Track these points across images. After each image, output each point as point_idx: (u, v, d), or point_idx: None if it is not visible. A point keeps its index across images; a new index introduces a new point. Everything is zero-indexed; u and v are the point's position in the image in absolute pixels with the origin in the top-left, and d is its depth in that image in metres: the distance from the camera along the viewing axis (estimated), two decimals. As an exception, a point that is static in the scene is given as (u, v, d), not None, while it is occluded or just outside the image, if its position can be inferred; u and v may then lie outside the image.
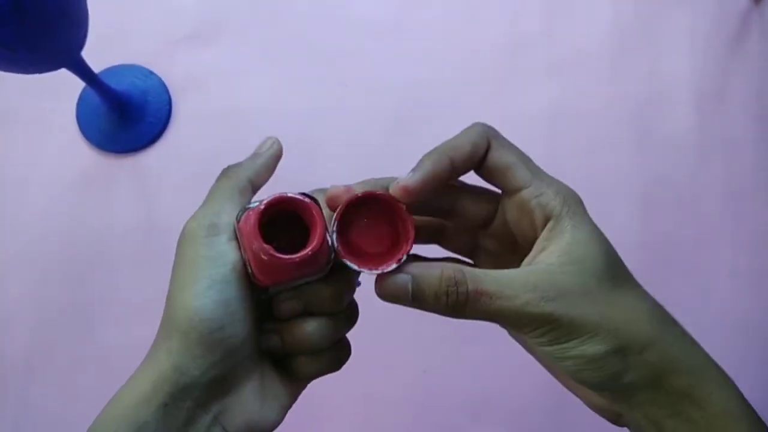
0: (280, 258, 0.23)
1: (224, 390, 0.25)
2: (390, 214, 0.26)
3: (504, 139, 0.29)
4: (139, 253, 0.56)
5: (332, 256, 0.26)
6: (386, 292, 0.25)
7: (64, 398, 0.52)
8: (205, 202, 0.28)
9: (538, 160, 0.49)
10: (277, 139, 0.31)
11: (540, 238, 0.26)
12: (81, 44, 0.46)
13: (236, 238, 0.26)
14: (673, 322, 0.27)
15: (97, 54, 0.51)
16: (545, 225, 0.26)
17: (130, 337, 0.54)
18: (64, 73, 0.48)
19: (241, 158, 0.63)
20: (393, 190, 0.26)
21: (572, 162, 0.57)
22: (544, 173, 0.28)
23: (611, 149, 0.57)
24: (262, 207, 0.24)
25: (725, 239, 0.56)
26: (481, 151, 0.27)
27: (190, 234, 0.27)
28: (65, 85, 0.56)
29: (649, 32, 0.60)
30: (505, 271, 0.25)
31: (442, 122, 0.60)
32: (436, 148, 0.27)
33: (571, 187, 0.29)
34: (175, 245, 0.60)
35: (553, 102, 0.59)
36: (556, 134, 0.58)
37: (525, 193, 0.27)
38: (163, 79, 0.60)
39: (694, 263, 0.56)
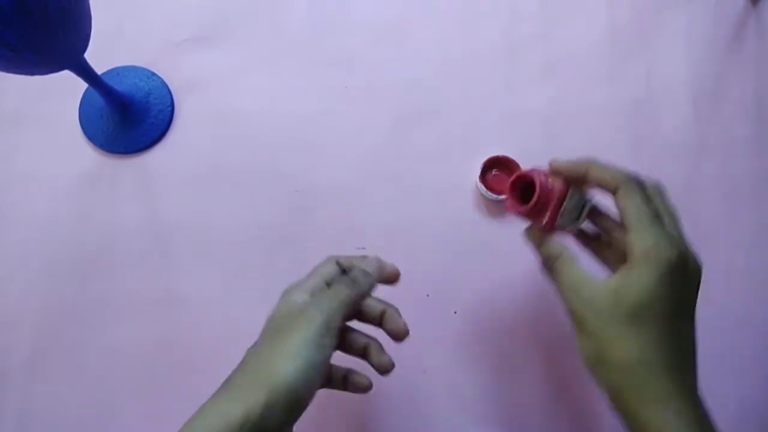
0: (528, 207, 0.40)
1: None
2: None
3: (635, 190, 0.37)
4: (142, 253, 0.56)
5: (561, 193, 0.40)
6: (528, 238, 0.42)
7: (68, 397, 0.53)
8: (307, 277, 0.39)
9: (536, 161, 0.49)
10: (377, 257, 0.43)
11: (620, 270, 0.36)
12: (84, 46, 0.47)
13: (324, 311, 0.35)
14: (658, 364, 0.34)
15: (99, 55, 0.51)
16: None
17: (134, 336, 0.54)
18: (66, 74, 0.48)
19: (241, 159, 0.64)
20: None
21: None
22: (654, 224, 0.36)
23: (608, 150, 0.57)
24: (509, 184, 0.42)
25: (721, 239, 0.56)
26: (611, 186, 0.38)
27: (288, 305, 0.36)
28: (68, 86, 0.57)
29: (646, 33, 0.61)
30: (584, 274, 0.37)
31: (442, 123, 0.60)
32: (588, 159, 0.39)
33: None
34: (177, 244, 0.61)
35: (550, 103, 0.59)
36: (553, 135, 0.58)
37: (628, 235, 0.36)
38: (165, 80, 0.60)
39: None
